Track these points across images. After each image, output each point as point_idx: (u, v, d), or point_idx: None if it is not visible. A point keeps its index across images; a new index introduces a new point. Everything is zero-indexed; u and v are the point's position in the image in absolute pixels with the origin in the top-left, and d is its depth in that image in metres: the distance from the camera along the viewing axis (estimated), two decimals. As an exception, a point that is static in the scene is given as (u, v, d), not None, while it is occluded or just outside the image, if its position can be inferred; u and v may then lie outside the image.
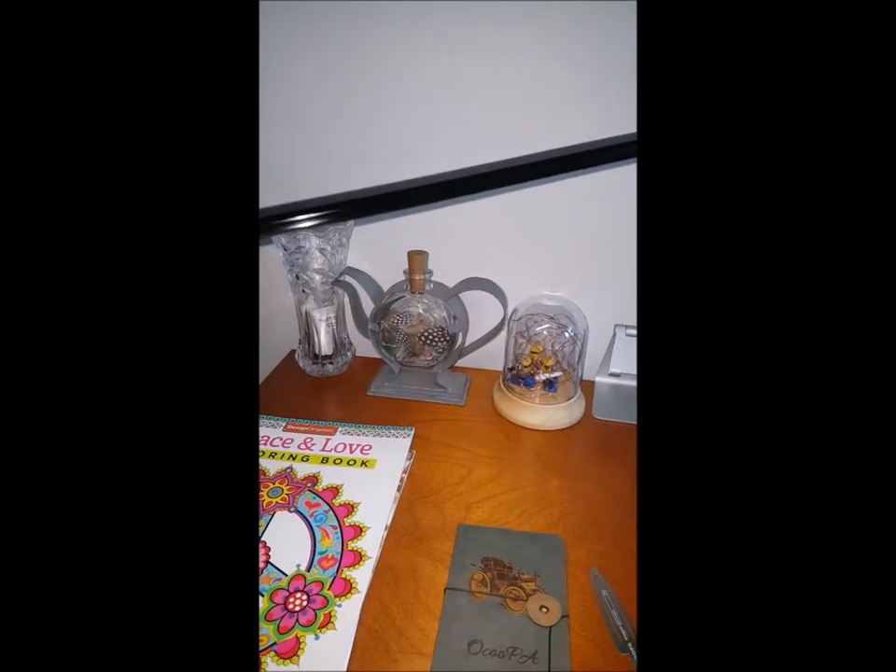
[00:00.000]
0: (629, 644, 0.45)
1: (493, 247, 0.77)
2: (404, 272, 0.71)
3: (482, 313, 0.78)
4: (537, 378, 0.74)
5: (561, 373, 0.75)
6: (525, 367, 0.75)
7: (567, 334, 0.74)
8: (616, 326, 0.78)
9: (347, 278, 0.74)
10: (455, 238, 0.77)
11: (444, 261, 0.77)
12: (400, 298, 0.74)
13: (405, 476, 0.62)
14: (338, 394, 0.79)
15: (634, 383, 0.79)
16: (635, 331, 0.77)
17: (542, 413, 0.73)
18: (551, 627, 0.45)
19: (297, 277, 0.74)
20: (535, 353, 0.75)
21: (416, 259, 0.71)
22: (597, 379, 0.80)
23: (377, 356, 0.80)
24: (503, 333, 0.77)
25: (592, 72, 0.64)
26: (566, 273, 0.78)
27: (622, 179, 0.68)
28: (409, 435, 0.67)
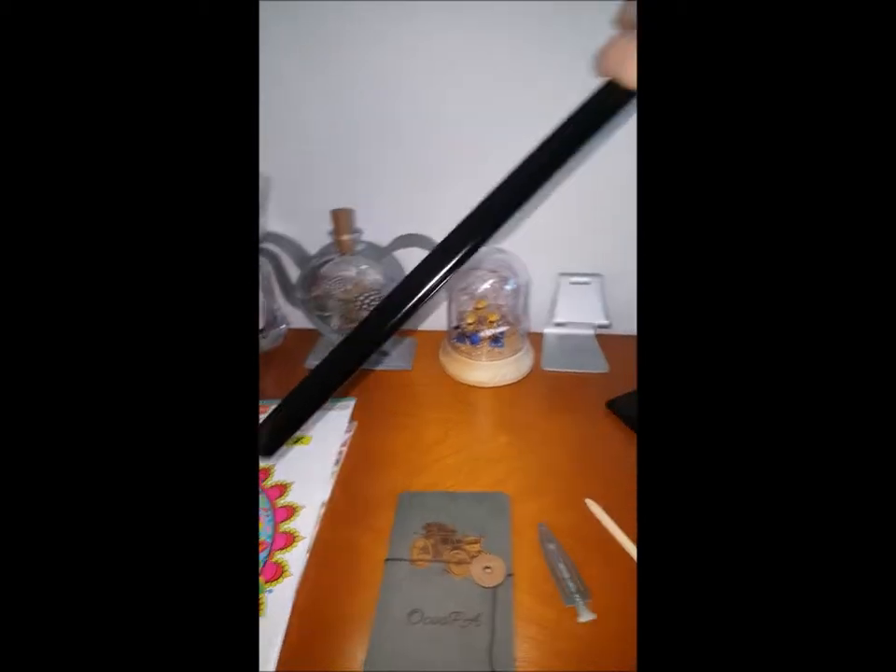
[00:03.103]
0: (576, 595, 0.44)
1: (425, 199, 0.73)
2: (329, 233, 0.67)
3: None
4: (482, 335, 0.72)
5: (507, 327, 0.73)
6: (470, 324, 0.73)
7: (508, 287, 0.71)
8: (560, 275, 0.75)
9: (269, 245, 0.70)
10: (382, 192, 0.72)
11: (375, 218, 0.73)
12: (329, 261, 0.69)
13: (345, 449, 0.59)
14: (273, 369, 0.74)
15: (580, 331, 0.77)
16: (579, 279, 0.74)
17: (490, 370, 0.71)
18: (495, 587, 0.44)
19: (217, 249, 0.69)
20: (479, 308, 0.72)
21: (341, 217, 0.66)
22: (545, 330, 0.79)
23: (313, 326, 0.76)
24: (444, 291, 0.74)
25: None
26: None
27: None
28: (348, 406, 0.64)
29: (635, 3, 0.25)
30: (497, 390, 0.70)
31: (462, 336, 0.73)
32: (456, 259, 0.36)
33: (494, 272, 0.72)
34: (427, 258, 0.37)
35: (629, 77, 0.25)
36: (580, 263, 0.75)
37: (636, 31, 0.26)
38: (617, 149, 0.61)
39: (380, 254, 0.70)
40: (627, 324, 0.79)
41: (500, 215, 0.36)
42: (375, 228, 0.72)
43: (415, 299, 0.36)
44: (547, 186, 0.35)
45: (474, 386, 0.71)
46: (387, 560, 0.46)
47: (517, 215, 0.36)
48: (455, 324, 0.74)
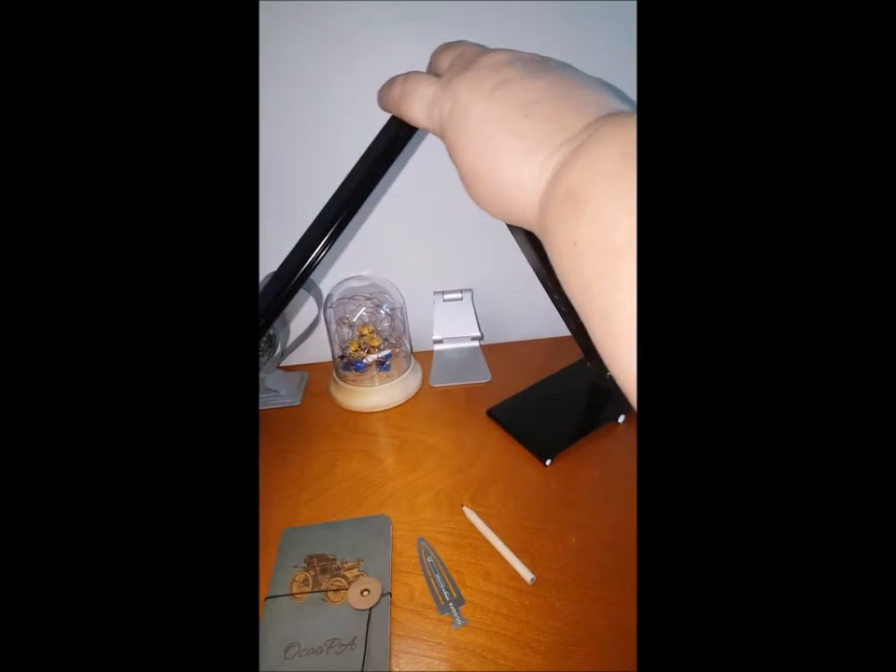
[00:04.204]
0: (450, 604, 0.46)
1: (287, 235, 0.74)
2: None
3: (296, 305, 0.76)
4: (366, 361, 0.73)
5: (389, 350, 0.75)
6: (354, 351, 0.74)
7: (382, 311, 0.73)
8: (434, 293, 0.78)
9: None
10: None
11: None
12: (202, 308, 0.69)
13: (228, 493, 0.58)
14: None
15: (458, 345, 0.80)
16: (451, 296, 0.78)
17: (377, 394, 0.72)
18: (370, 609, 0.45)
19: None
20: (363, 335, 0.74)
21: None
22: (434, 348, 0.82)
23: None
24: (322, 324, 0.75)
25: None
26: (374, 248, 0.77)
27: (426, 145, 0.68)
28: (231, 449, 0.63)
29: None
30: (386, 413, 0.72)
31: (348, 364, 0.74)
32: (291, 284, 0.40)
33: (368, 298, 0.74)
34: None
35: (408, 114, 0.27)
36: (451, 281, 0.79)
37: (414, 72, 0.28)
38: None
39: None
40: (502, 333, 0.84)
41: (321, 241, 0.38)
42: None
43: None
44: (359, 213, 0.38)
45: (364, 413, 0.72)
46: (267, 598, 0.47)
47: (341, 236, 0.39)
48: (339, 353, 0.75)
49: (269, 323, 0.41)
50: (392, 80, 0.28)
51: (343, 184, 0.36)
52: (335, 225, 0.36)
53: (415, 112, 0.27)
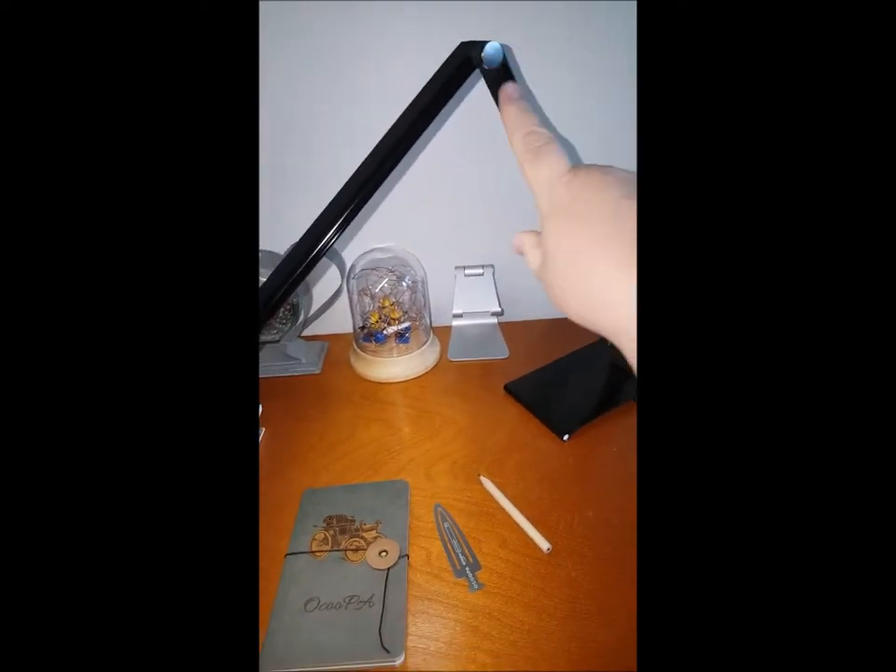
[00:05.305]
0: (466, 568, 0.47)
1: (313, 204, 0.74)
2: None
3: (320, 275, 0.76)
4: (386, 332, 0.74)
5: (409, 323, 0.75)
6: (374, 323, 0.75)
7: (404, 284, 0.73)
8: (455, 268, 0.78)
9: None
10: (273, 201, 0.73)
11: (268, 227, 0.74)
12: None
13: (249, 454, 0.59)
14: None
15: (483, 321, 0.80)
16: (472, 271, 0.78)
17: (396, 366, 0.73)
18: (388, 569, 0.46)
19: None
20: (384, 307, 0.75)
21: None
22: (452, 323, 0.82)
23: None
24: (345, 294, 0.76)
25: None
26: (398, 221, 0.76)
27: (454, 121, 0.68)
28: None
29: None
30: (404, 385, 0.73)
31: (368, 335, 0.75)
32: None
33: (391, 270, 0.74)
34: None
35: (533, 170, 0.27)
36: (473, 256, 0.79)
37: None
38: (503, 149, 0.65)
39: (277, 261, 0.71)
40: (521, 311, 0.84)
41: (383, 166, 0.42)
42: (273, 237, 0.73)
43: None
44: (385, 184, 0.39)
45: (383, 383, 0.73)
46: (287, 555, 0.48)
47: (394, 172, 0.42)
48: (360, 324, 0.76)
49: (304, 276, 0.41)
50: (534, 128, 0.28)
51: (397, 120, 0.39)
52: (394, 157, 0.40)
53: (539, 175, 0.27)
